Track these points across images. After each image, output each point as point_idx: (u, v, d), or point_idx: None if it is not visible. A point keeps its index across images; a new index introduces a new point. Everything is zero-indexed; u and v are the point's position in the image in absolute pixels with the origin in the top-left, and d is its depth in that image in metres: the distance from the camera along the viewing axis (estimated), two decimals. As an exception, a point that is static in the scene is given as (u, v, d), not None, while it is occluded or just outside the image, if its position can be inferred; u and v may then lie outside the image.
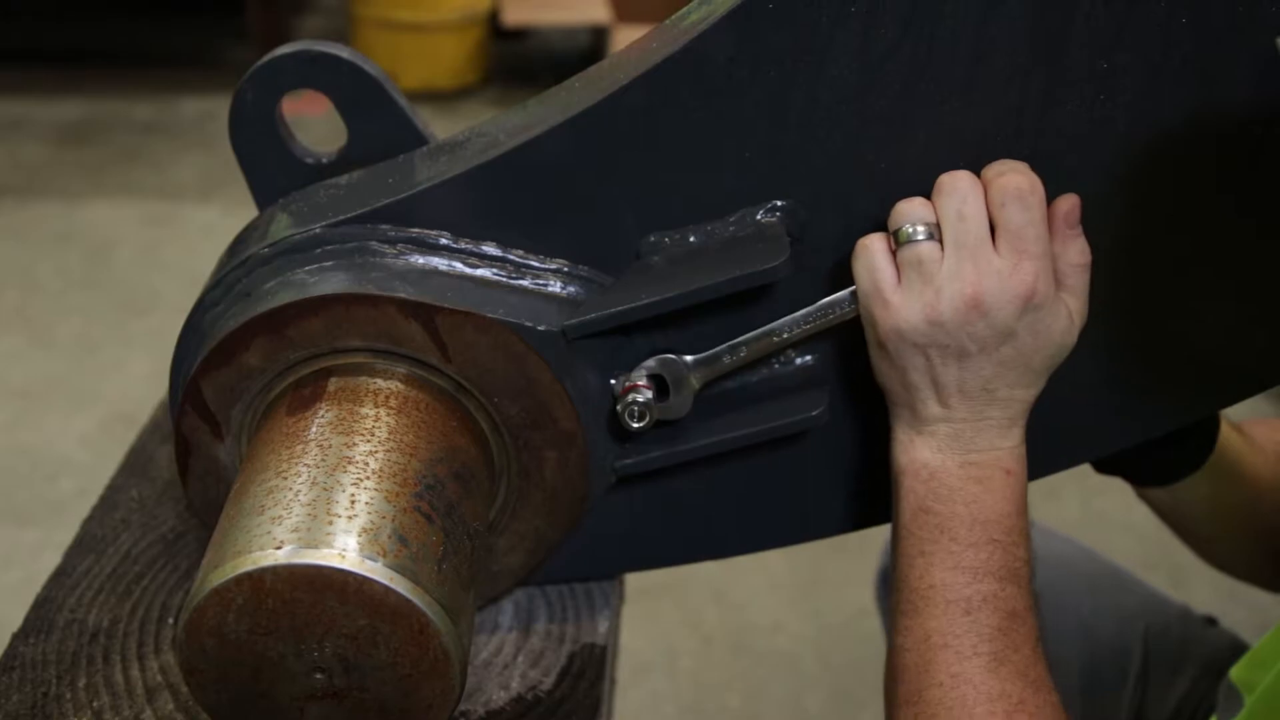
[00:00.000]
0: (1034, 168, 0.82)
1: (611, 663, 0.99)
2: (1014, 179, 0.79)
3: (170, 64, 4.46)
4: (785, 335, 0.86)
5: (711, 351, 0.87)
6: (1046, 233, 0.79)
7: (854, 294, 0.84)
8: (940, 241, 0.79)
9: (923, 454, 0.83)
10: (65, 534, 1.05)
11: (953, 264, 0.79)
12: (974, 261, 0.78)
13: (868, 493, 0.94)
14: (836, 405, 0.90)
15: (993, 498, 0.81)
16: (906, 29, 0.79)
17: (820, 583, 2.32)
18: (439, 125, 0.92)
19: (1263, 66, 0.78)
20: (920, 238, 0.80)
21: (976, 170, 0.82)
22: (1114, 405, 0.91)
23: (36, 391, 2.79)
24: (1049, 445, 0.90)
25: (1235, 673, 0.89)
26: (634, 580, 1.11)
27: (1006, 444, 0.82)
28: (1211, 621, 1.26)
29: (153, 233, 3.45)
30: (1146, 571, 2.27)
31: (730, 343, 0.87)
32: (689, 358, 0.87)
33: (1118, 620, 1.26)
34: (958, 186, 0.80)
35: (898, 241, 0.81)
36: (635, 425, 0.87)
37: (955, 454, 0.82)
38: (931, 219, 0.80)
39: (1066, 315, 0.81)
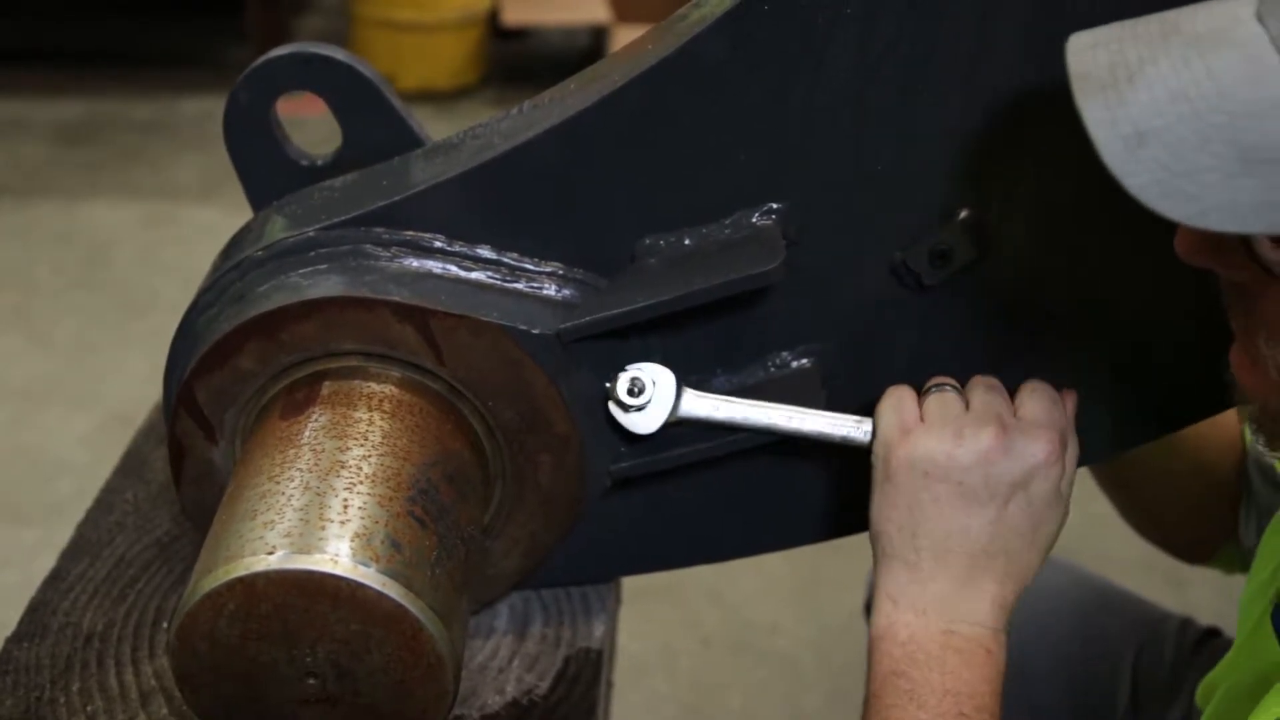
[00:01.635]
0: (1035, 163, 0.81)
1: (608, 666, 0.99)
2: (1041, 382, 0.84)
3: (170, 64, 4.45)
4: (770, 424, 0.86)
5: (697, 407, 0.86)
6: (1066, 421, 0.83)
7: (858, 427, 0.86)
8: (967, 405, 0.82)
9: (905, 615, 0.81)
10: (63, 535, 1.04)
11: (978, 412, 0.81)
12: (998, 417, 0.81)
13: (865, 496, 0.94)
14: (832, 408, 0.89)
15: (971, 673, 0.79)
16: (904, 29, 0.78)
17: (819, 584, 2.32)
18: (438, 125, 0.92)
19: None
20: (949, 389, 0.83)
21: (977, 171, 0.82)
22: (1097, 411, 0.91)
23: (35, 392, 2.78)
24: None
25: (1199, 695, 0.89)
26: (632, 581, 1.10)
27: (992, 624, 0.81)
28: (1214, 633, 1.22)
29: (152, 233, 3.45)
30: (1146, 573, 2.26)
31: (724, 404, 0.87)
32: (689, 392, 0.87)
33: (1106, 651, 1.22)
34: (988, 377, 0.84)
35: (927, 393, 0.83)
36: (628, 399, 0.85)
37: (940, 618, 0.80)
38: (959, 386, 0.84)
39: (1066, 509, 0.83)
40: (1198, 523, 1.12)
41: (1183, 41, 0.64)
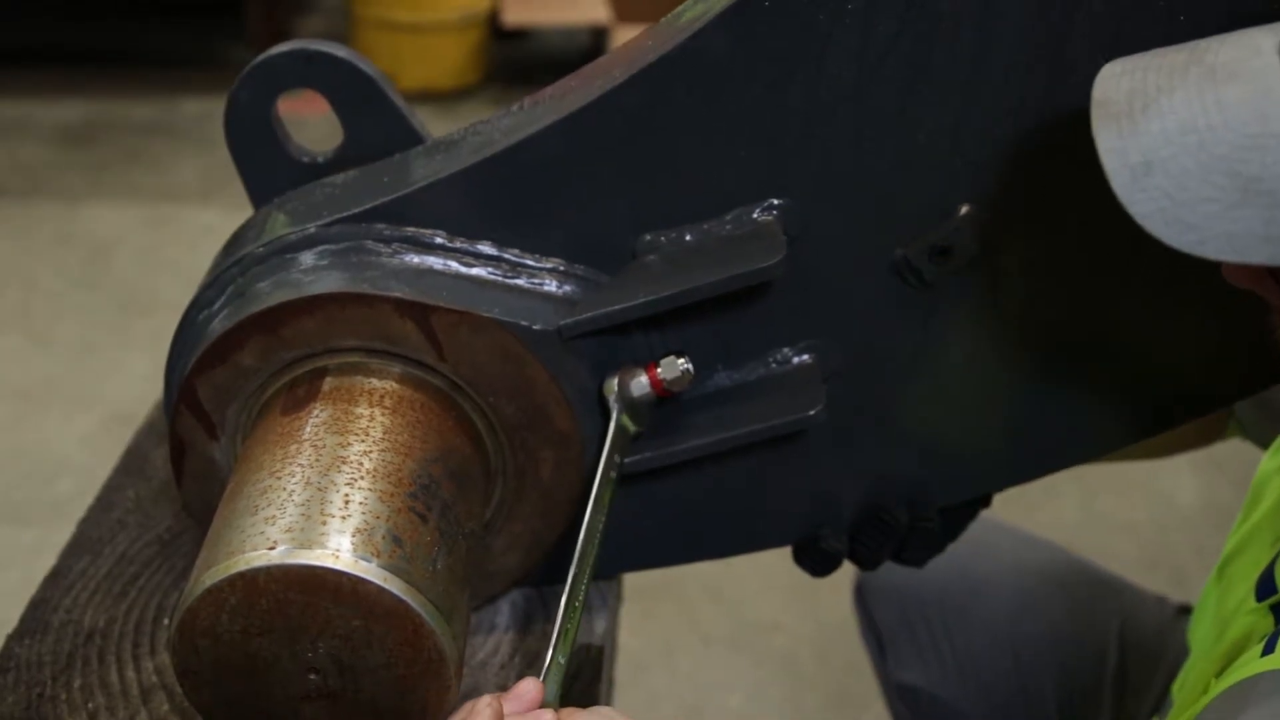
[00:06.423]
0: (1036, 160, 0.82)
1: (609, 663, 0.99)
2: None
3: (171, 65, 4.45)
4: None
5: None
6: None
7: None
8: None
9: None
10: (64, 535, 1.04)
11: None
12: None
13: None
14: (833, 404, 0.89)
15: None
16: (905, 26, 0.78)
17: (818, 582, 2.31)
18: (439, 126, 0.92)
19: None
20: None
21: (978, 167, 0.82)
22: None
23: (36, 392, 2.78)
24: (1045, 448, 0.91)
25: (1174, 687, 0.91)
26: (632, 580, 1.10)
27: None
28: (1186, 610, 1.27)
29: (153, 233, 3.45)
30: (1147, 571, 2.27)
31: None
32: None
33: (1092, 623, 1.27)
34: None
35: None
36: (681, 361, 0.86)
37: None
38: None
39: None
40: (1202, 424, 1.15)
41: (1201, 72, 0.66)
